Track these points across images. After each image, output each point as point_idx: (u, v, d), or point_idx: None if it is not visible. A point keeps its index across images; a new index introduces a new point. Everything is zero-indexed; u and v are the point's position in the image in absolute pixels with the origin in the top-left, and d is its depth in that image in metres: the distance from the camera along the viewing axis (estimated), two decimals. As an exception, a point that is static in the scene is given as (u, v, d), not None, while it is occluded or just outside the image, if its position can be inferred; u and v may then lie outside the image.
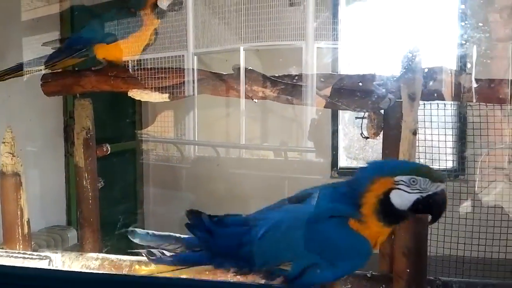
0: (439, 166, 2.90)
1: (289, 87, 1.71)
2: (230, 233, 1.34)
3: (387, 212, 1.20)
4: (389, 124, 1.67)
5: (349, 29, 3.19)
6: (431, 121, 2.64)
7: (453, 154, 3.13)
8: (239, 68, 1.77)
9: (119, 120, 3.40)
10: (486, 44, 2.45)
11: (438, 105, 2.59)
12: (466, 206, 2.73)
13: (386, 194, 1.20)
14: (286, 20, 3.34)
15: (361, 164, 3.63)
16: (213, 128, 4.09)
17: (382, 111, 1.70)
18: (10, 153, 1.87)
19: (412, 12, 2.50)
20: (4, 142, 1.88)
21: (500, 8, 2.69)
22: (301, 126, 3.70)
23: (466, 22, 2.45)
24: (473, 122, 2.68)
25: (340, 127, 3.49)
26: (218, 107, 3.83)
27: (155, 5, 1.94)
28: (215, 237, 1.33)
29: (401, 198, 1.19)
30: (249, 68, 1.80)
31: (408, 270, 1.42)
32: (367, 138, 1.73)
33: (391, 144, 1.65)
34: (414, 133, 1.45)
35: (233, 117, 3.86)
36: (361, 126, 1.78)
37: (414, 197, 1.18)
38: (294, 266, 1.25)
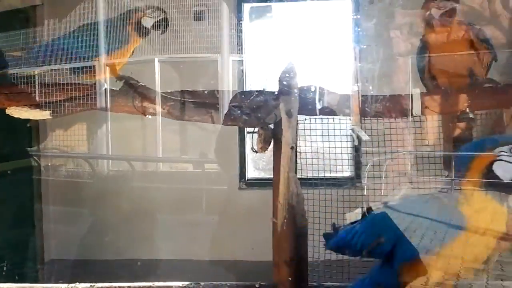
0: (336, 174, 3.09)
1: (179, 103, 1.73)
2: None
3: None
4: (277, 138, 1.75)
5: (252, 43, 3.29)
6: (327, 134, 2.80)
7: (348, 163, 3.33)
8: (125, 83, 1.75)
9: (8, 137, 3.17)
10: (388, 59, 2.67)
11: (333, 120, 2.74)
12: (361, 210, 2.92)
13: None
14: (199, 33, 3.36)
15: (269, 174, 3.75)
16: (128, 141, 3.98)
17: (272, 126, 1.78)
18: None
19: (311, 30, 2.66)
20: None
21: (401, 25, 2.94)
22: (215, 138, 3.73)
23: (368, 39, 2.63)
24: (371, 134, 2.88)
25: (247, 139, 3.57)
26: (132, 120, 3.73)
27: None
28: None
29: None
30: (140, 83, 1.80)
31: (290, 279, 1.49)
32: (256, 152, 1.80)
33: (279, 157, 1.73)
34: (292, 148, 1.54)
35: (149, 129, 3.79)
36: (252, 141, 1.85)
37: None
38: None
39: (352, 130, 2.52)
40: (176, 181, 3.73)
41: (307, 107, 1.63)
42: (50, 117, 1.72)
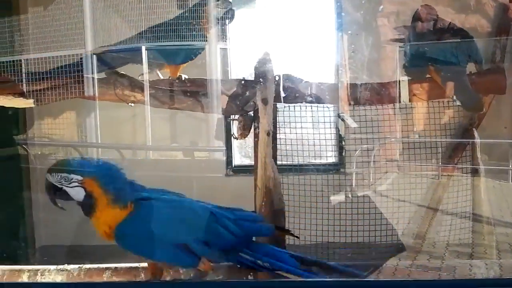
0: (321, 161, 3.16)
1: (159, 92, 1.78)
2: None
3: None
4: (256, 125, 1.81)
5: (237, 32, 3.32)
6: (311, 122, 2.86)
7: (333, 150, 3.40)
8: (110, 72, 1.80)
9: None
10: (375, 48, 2.72)
11: (322, 107, 2.78)
12: (345, 196, 3.00)
13: None
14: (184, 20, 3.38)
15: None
16: (117, 129, 4.01)
17: (251, 114, 1.84)
18: None
19: (299, 18, 2.69)
20: None
21: (387, 13, 2.99)
22: (203, 126, 3.78)
23: (354, 27, 2.67)
24: (360, 121, 2.93)
25: (232, 126, 3.62)
26: (121, 108, 3.76)
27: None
28: None
29: None
30: (121, 72, 1.84)
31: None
32: (236, 138, 1.86)
33: (257, 143, 1.79)
34: (268, 134, 1.60)
35: (138, 118, 3.81)
36: (231, 128, 1.90)
37: None
38: None
39: (340, 117, 2.59)
40: (165, 169, 3.78)
41: (283, 95, 1.68)
42: (33, 105, 1.76)
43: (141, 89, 1.76)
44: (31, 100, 1.73)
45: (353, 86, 2.04)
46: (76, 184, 1.37)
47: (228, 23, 2.06)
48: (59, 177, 1.37)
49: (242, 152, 3.80)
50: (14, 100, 1.71)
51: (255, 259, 1.47)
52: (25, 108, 3.37)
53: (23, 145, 3.57)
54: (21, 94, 1.74)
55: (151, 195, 1.49)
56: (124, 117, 3.84)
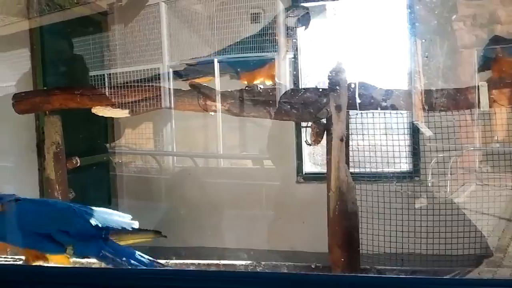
0: (394, 168, 3.11)
1: (238, 101, 1.90)
2: None
3: None
4: (329, 132, 1.86)
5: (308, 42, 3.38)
6: (386, 128, 2.83)
7: (407, 157, 3.33)
8: (194, 85, 1.95)
9: (90, 134, 3.54)
10: (450, 52, 2.66)
11: (396, 114, 2.75)
12: (420, 204, 2.92)
13: None
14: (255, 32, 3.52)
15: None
16: (191, 138, 4.24)
17: (324, 120, 1.90)
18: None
19: (370, 25, 2.70)
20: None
21: (463, 17, 2.92)
22: (273, 134, 3.88)
23: (428, 32, 2.63)
24: (435, 127, 2.85)
25: (303, 134, 3.68)
26: (194, 118, 3.99)
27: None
28: None
29: None
30: (204, 84, 1.99)
31: (343, 259, 1.61)
32: (310, 145, 1.93)
33: (330, 149, 1.85)
34: (342, 139, 1.65)
35: (210, 127, 4.02)
36: (305, 135, 1.98)
37: None
38: None
39: (415, 124, 2.55)
40: (236, 176, 3.92)
41: (351, 102, 1.73)
42: (128, 115, 1.96)
43: (224, 100, 1.89)
44: (127, 111, 1.93)
45: (427, 92, 2.01)
46: None
47: (304, 29, 2.11)
48: None
49: (312, 160, 3.85)
50: (113, 111, 1.91)
51: (115, 257, 1.70)
52: (112, 118, 3.74)
53: (110, 153, 3.90)
54: (117, 105, 1.94)
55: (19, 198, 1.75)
56: (197, 126, 4.06)
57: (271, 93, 1.99)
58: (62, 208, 1.82)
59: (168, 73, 3.68)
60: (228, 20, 3.59)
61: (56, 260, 1.68)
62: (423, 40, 2.54)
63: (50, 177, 2.25)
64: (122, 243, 1.77)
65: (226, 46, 3.36)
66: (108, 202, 3.83)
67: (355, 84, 1.70)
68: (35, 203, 1.84)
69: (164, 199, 3.99)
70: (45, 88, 2.26)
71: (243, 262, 1.78)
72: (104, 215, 1.80)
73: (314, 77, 3.39)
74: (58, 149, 2.23)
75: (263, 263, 1.80)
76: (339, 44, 2.58)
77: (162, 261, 1.86)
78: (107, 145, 3.83)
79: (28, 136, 3.08)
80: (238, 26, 3.57)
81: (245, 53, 2.35)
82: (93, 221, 1.73)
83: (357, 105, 1.69)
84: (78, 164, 2.37)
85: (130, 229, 1.80)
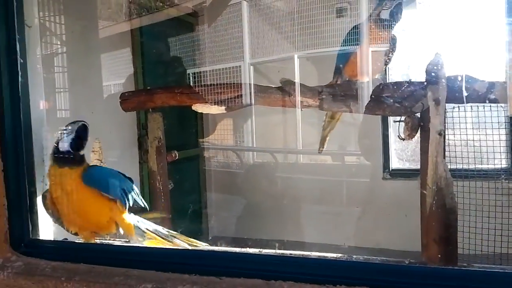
0: (493, 165, 2.95)
1: (330, 96, 1.93)
2: None
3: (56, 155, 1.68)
4: (424, 126, 1.83)
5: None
6: (482, 122, 2.69)
7: (506, 153, 3.14)
8: (285, 81, 2.02)
9: (185, 130, 3.78)
10: None
11: (490, 107, 2.62)
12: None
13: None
14: (335, 26, 3.51)
15: (414, 165, 3.72)
16: (270, 134, 4.35)
17: (418, 115, 1.87)
18: (99, 160, 2.25)
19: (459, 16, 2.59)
20: (94, 151, 2.26)
21: None
22: (358, 130, 3.85)
23: None
24: None
25: (390, 130, 3.61)
26: (274, 114, 4.08)
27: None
28: None
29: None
30: (294, 81, 2.05)
31: (439, 256, 1.58)
32: (403, 139, 1.90)
33: (426, 144, 1.81)
34: (440, 134, 1.61)
35: (290, 123, 4.09)
36: (398, 129, 1.95)
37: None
38: None
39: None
40: (319, 172, 3.95)
41: (454, 95, 1.68)
42: (225, 111, 2.08)
43: (313, 95, 1.94)
44: (223, 107, 2.05)
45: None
46: None
47: (398, 20, 2.07)
48: None
49: (399, 156, 3.76)
50: (211, 107, 2.04)
51: None
52: (202, 115, 3.96)
53: (201, 148, 4.13)
54: (214, 102, 2.07)
55: None
56: (276, 122, 4.14)
57: (362, 88, 1.99)
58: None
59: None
60: (311, 15, 3.62)
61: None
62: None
63: (153, 169, 2.45)
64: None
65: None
66: (199, 193, 4.06)
67: (461, 76, 1.65)
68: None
69: (247, 193, 4.13)
70: (148, 88, 2.47)
71: (334, 255, 1.81)
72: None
73: (399, 71, 3.30)
74: (160, 144, 2.42)
75: (354, 256, 1.81)
76: (432, 35, 2.49)
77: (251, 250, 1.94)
78: (199, 140, 4.06)
79: (130, 132, 3.38)
80: (323, 20, 3.58)
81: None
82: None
83: (464, 98, 1.63)
84: (177, 157, 2.55)
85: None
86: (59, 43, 2.89)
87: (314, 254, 1.76)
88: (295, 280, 1.11)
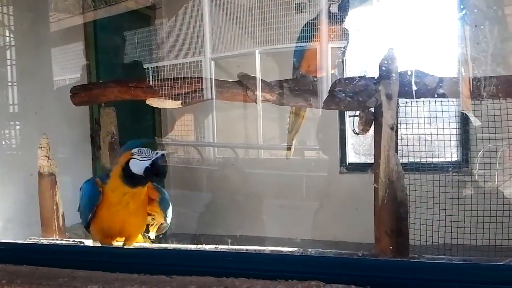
0: (443, 158, 3.05)
1: (287, 91, 1.93)
2: None
3: (128, 176, 1.68)
4: (377, 120, 1.86)
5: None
6: (434, 117, 2.78)
7: (457, 147, 3.26)
8: (242, 75, 2.00)
9: (141, 125, 3.68)
10: (501, 38, 2.57)
11: (441, 102, 2.71)
12: (469, 195, 2.85)
13: (127, 163, 1.67)
14: (295, 22, 3.53)
15: (370, 159, 3.81)
16: (231, 130, 4.32)
17: (372, 109, 1.90)
18: (46, 156, 2.15)
19: (414, 11, 2.65)
20: (41, 147, 2.16)
21: None
22: (316, 125, 3.89)
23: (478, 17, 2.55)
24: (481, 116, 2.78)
25: (347, 125, 3.67)
26: (235, 109, 4.06)
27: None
28: None
29: (137, 165, 1.66)
30: (252, 75, 2.03)
31: (391, 247, 1.62)
32: (357, 134, 1.93)
33: (379, 138, 1.84)
34: (392, 128, 1.65)
35: (250, 118, 4.08)
36: (353, 124, 1.98)
37: (144, 164, 1.66)
38: None
39: (463, 114, 2.48)
40: (279, 167, 3.97)
41: (405, 90, 1.71)
42: (180, 106, 2.04)
43: (270, 90, 1.93)
44: (179, 102, 2.00)
45: (477, 80, 1.95)
46: None
47: (345, 15, 2.10)
48: None
49: (355, 150, 3.83)
50: (165, 102, 1.99)
51: None
52: (159, 110, 3.87)
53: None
54: (169, 97, 2.02)
55: None
56: (237, 117, 4.12)
57: (319, 82, 2.00)
58: None
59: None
60: (272, 11, 3.62)
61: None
62: (474, 24, 2.46)
63: (106, 165, 2.37)
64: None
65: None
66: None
67: (411, 71, 1.68)
68: None
69: (207, 189, 4.09)
70: (100, 81, 2.38)
71: (290, 249, 1.82)
72: None
73: (355, 66, 3.36)
74: (113, 139, 2.34)
75: (309, 250, 1.83)
76: (386, 31, 2.55)
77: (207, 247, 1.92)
78: (156, 135, 3.97)
79: (82, 127, 3.26)
80: (283, 16, 3.58)
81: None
82: None
83: (413, 93, 1.67)
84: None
85: None
86: (7, 34, 2.76)
87: (269, 249, 1.77)
88: (247, 277, 1.10)
